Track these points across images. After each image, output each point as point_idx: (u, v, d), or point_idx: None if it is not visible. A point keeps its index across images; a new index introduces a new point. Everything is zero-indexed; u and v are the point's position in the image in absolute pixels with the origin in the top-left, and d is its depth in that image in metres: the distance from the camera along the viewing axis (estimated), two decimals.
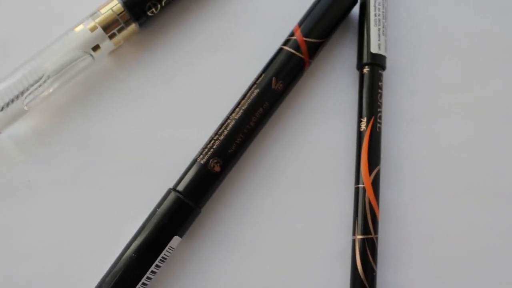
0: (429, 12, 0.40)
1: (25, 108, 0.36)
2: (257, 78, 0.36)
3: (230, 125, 0.35)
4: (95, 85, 0.38)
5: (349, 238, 0.35)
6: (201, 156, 0.34)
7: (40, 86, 0.36)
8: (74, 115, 0.37)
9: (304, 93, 0.38)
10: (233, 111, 0.35)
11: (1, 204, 0.36)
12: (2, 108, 0.35)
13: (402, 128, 0.38)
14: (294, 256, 0.35)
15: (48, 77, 0.36)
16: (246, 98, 0.35)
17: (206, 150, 0.35)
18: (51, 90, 0.36)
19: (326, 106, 0.38)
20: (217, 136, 0.35)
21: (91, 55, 0.37)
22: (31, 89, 0.36)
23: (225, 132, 0.35)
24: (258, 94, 0.35)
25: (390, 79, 0.38)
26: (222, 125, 0.35)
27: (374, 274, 0.34)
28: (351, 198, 0.36)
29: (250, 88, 0.36)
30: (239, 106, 0.35)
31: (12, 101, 0.35)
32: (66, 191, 0.36)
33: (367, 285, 0.33)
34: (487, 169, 0.37)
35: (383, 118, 0.37)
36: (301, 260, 0.35)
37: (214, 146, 0.34)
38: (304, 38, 0.36)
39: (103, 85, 0.38)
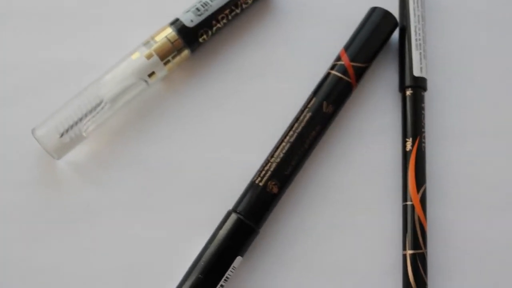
0: (463, 35, 0.42)
1: (84, 134, 0.37)
2: (308, 102, 0.38)
3: (286, 148, 0.36)
4: (149, 110, 0.39)
5: (398, 253, 0.37)
6: (259, 179, 0.36)
7: (98, 112, 0.37)
8: (129, 139, 0.39)
9: (350, 114, 0.40)
10: (287, 134, 0.37)
11: (61, 228, 0.37)
12: (62, 135, 0.36)
13: (444, 146, 0.40)
14: (348, 272, 0.37)
15: (106, 104, 0.37)
16: (299, 122, 0.37)
17: (263, 172, 0.36)
18: (107, 115, 0.37)
19: (371, 127, 0.40)
20: (273, 158, 0.36)
21: (146, 81, 0.38)
22: (90, 116, 0.37)
23: (281, 154, 0.36)
24: (311, 117, 0.37)
25: (428, 99, 0.40)
26: (277, 148, 0.37)
27: (426, 286, 0.36)
28: (396, 214, 0.38)
29: (302, 111, 0.38)
30: (293, 130, 0.37)
31: (71, 127, 0.37)
32: (125, 214, 0.37)
33: None
34: None
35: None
36: (354, 275, 0.37)
37: (272, 169, 0.36)
38: (351, 63, 0.38)
39: (156, 109, 0.39)
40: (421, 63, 0.39)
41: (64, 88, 0.38)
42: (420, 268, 0.36)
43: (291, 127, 0.37)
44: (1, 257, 0.36)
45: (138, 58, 0.38)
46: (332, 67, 0.39)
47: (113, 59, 0.38)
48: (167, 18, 0.39)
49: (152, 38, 0.38)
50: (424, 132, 0.38)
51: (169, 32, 0.38)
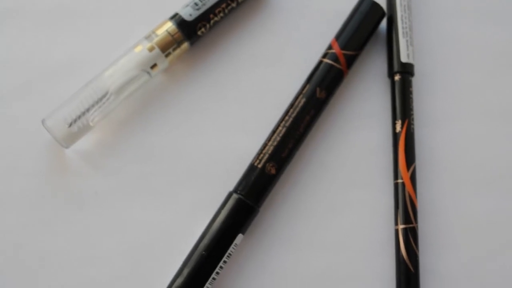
0: (447, 22, 0.45)
1: (91, 124, 0.39)
2: (302, 89, 0.40)
3: (282, 132, 0.39)
4: (151, 100, 0.41)
5: (390, 227, 0.39)
6: (258, 161, 0.38)
7: (104, 103, 0.39)
8: (134, 128, 0.41)
9: (342, 100, 0.42)
10: (283, 119, 0.39)
11: (71, 215, 0.39)
12: (70, 125, 0.38)
13: (431, 127, 0.42)
14: (343, 246, 0.39)
15: (111, 95, 0.39)
16: (294, 107, 0.39)
17: (261, 155, 0.38)
18: (112, 106, 0.40)
19: (362, 111, 0.42)
20: (270, 142, 0.39)
21: (148, 73, 0.40)
22: (96, 106, 0.39)
23: (278, 138, 0.39)
24: (305, 103, 0.39)
25: (416, 84, 0.43)
26: (274, 132, 0.39)
27: (417, 258, 0.38)
28: (387, 192, 0.40)
29: (296, 97, 0.40)
30: (289, 114, 0.39)
31: (79, 117, 0.39)
32: (132, 200, 0.39)
33: (411, 268, 0.38)
34: (508, 162, 0.42)
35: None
36: (350, 249, 0.39)
37: (269, 152, 0.38)
38: (342, 51, 0.41)
39: (159, 99, 0.41)
40: (408, 50, 0.41)
41: (71, 81, 0.40)
42: (412, 241, 0.38)
43: (286, 112, 0.39)
44: (12, 243, 0.38)
45: (140, 51, 0.40)
46: (324, 55, 0.41)
47: (116, 53, 0.40)
48: (167, 13, 0.41)
49: (153, 32, 0.41)
50: (412, 114, 0.41)
51: (169, 25, 0.40)
